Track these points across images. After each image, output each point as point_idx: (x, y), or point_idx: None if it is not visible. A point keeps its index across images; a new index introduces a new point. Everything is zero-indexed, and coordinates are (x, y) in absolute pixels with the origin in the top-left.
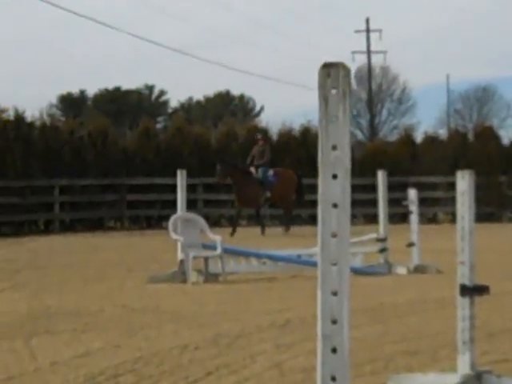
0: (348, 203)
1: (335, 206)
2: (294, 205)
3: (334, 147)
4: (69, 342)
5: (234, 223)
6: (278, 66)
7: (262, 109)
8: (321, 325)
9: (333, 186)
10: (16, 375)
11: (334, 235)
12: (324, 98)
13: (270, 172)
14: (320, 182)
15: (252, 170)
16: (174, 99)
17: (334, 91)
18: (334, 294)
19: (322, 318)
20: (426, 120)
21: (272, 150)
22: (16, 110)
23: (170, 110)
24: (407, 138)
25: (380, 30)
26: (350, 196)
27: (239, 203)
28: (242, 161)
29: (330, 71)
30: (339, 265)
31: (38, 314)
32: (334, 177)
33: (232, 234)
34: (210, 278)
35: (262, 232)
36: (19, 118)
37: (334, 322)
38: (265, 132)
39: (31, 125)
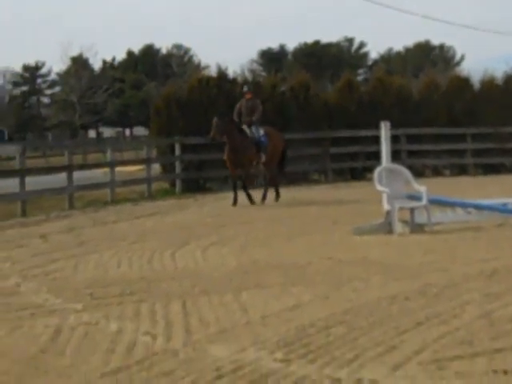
0: None
1: None
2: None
3: None
4: (278, 296)
5: (235, 193)
6: (478, 15)
7: (462, 58)
8: None
9: None
10: (228, 328)
11: None
12: None
13: (261, 131)
14: None
15: (245, 128)
16: (374, 51)
17: None
18: None
19: None
20: None
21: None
22: (219, 67)
23: (369, 62)
24: None
25: None
26: None
27: (233, 167)
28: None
29: None
30: None
31: (247, 268)
32: None
33: (250, 201)
34: (416, 228)
35: (251, 202)
36: (221, 75)
37: None
38: (466, 80)
39: (233, 81)
